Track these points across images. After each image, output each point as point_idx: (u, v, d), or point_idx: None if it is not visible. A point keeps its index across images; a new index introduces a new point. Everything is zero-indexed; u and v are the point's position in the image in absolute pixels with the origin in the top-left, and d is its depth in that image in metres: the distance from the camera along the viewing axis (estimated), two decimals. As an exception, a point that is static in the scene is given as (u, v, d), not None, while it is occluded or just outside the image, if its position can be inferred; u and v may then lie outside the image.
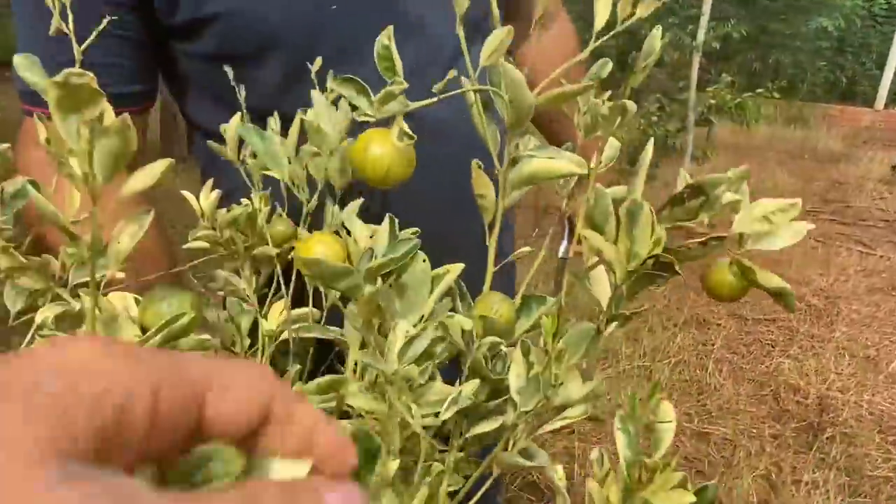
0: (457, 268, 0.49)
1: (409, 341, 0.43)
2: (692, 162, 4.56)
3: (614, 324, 0.44)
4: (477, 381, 0.43)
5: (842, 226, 4.17)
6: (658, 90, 4.48)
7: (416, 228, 0.48)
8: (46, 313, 0.44)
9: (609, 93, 0.42)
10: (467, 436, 0.46)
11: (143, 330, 0.43)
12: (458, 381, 0.44)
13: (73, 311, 0.45)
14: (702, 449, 2.01)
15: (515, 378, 0.43)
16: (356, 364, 0.50)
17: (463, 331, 0.45)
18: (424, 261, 0.48)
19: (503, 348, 0.47)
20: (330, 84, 0.46)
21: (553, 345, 0.43)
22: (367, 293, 0.42)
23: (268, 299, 0.62)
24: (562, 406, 0.44)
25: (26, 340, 0.45)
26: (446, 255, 0.47)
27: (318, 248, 0.47)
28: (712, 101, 4.56)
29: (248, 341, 0.65)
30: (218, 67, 0.55)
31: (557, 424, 0.43)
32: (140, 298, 0.45)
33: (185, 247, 0.63)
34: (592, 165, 0.43)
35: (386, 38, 0.42)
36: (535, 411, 0.42)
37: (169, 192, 0.81)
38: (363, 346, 0.49)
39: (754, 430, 2.07)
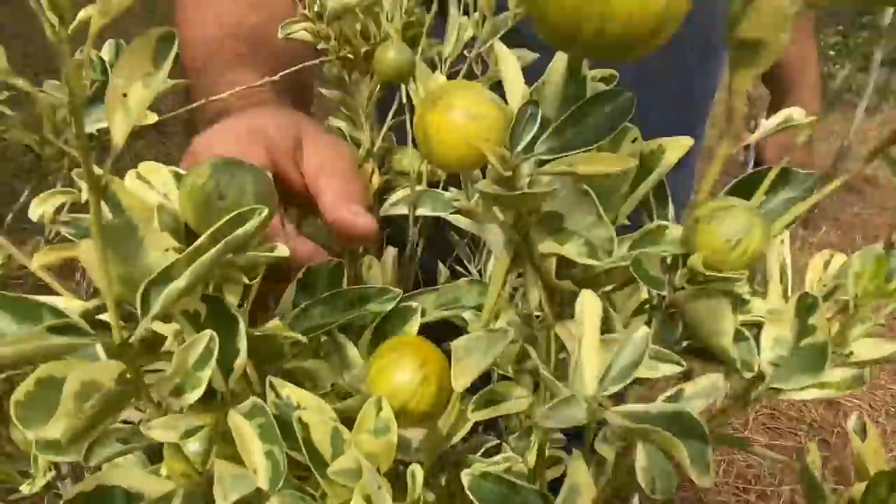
0: (680, 144, 0.30)
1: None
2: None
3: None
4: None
5: None
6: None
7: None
8: (41, 207, 0.30)
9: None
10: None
11: (188, 233, 0.27)
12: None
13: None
14: (829, 419, 1.76)
15: (772, 342, 0.25)
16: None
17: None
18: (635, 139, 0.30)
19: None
20: None
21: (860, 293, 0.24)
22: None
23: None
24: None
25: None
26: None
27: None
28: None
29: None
30: None
31: (810, 394, 0.25)
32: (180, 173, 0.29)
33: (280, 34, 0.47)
34: None
35: None
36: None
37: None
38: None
39: (894, 408, 1.77)
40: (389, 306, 0.33)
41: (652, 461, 0.21)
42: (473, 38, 0.48)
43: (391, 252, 0.41)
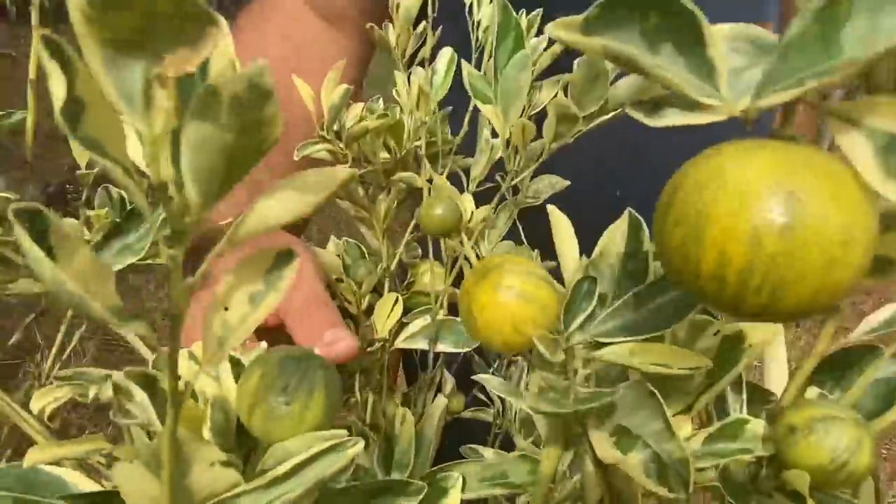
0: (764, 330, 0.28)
1: None
2: None
3: None
4: None
5: None
6: None
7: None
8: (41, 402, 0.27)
9: None
10: None
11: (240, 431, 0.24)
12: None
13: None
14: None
15: None
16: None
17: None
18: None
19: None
20: None
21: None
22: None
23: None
24: None
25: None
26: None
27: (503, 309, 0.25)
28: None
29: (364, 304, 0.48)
30: None
31: None
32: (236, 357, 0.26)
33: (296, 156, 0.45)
34: None
35: None
36: None
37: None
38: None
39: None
40: (415, 501, 0.30)
41: None
42: (502, 159, 0.47)
43: (439, 406, 0.38)
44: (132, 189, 0.13)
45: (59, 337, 0.35)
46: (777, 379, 0.31)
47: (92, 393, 0.23)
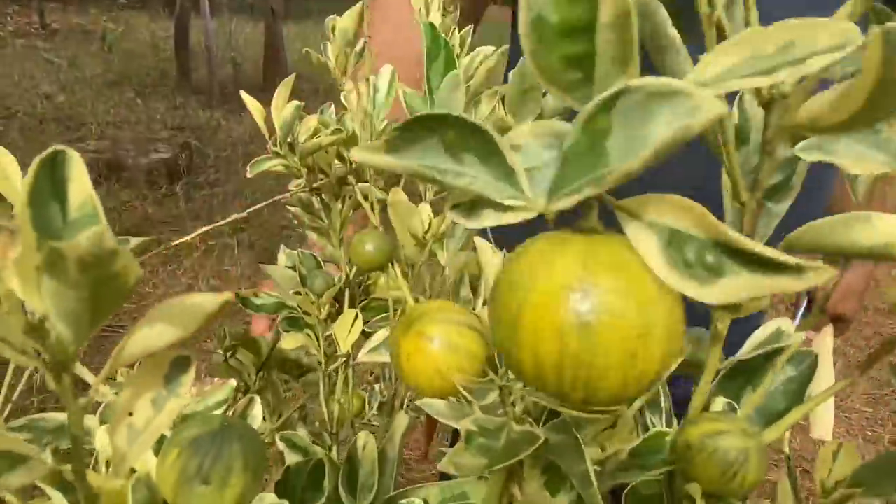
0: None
1: None
2: None
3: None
4: None
5: None
6: None
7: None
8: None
9: None
10: None
11: None
12: None
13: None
14: (809, 448, 1.80)
15: None
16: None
17: None
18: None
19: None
20: None
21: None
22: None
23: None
24: None
25: None
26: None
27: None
28: None
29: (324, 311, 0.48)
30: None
31: None
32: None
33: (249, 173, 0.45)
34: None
35: None
36: None
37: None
38: None
39: (870, 432, 1.82)
40: None
41: None
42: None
43: (401, 422, 0.39)
44: (7, 308, 0.13)
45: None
46: (824, 373, 0.32)
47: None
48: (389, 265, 0.37)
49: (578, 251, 0.15)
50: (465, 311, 0.26)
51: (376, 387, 0.64)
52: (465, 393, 0.24)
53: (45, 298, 0.13)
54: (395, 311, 0.47)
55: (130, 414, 0.17)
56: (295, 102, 0.41)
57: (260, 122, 0.41)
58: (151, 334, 0.14)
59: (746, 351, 0.26)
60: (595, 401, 0.15)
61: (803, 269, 0.13)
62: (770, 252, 0.13)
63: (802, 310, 0.93)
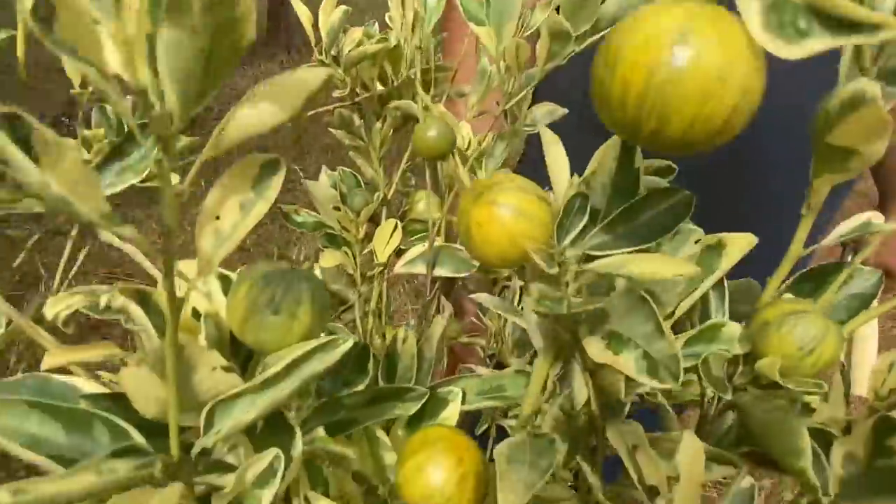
0: (742, 240, 0.29)
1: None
2: None
3: None
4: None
5: None
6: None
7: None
8: (57, 307, 0.28)
9: None
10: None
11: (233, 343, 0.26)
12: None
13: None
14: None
15: (843, 460, 0.24)
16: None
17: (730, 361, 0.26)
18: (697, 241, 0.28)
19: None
20: None
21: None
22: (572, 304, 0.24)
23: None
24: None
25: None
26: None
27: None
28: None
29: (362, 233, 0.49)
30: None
31: None
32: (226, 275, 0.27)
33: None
34: None
35: None
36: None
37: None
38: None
39: None
40: (414, 407, 0.32)
41: None
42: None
43: (438, 324, 0.39)
44: (109, 92, 0.13)
45: (61, 265, 0.36)
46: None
47: (103, 301, 0.24)
48: (451, 154, 0.37)
49: (685, 8, 0.17)
50: (531, 183, 0.26)
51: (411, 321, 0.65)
52: (536, 258, 0.24)
53: (160, 57, 0.13)
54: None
55: (217, 217, 0.17)
56: (343, 7, 0.41)
57: (307, 26, 0.41)
58: (253, 115, 0.14)
59: (831, 239, 0.26)
60: (663, 135, 0.18)
61: (879, 25, 0.13)
62: (856, 11, 0.14)
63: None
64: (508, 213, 0.25)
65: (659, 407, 0.32)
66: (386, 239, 0.46)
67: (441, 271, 0.45)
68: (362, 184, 0.50)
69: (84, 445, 0.22)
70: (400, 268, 0.46)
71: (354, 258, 0.51)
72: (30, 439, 0.22)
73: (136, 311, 0.22)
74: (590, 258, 0.27)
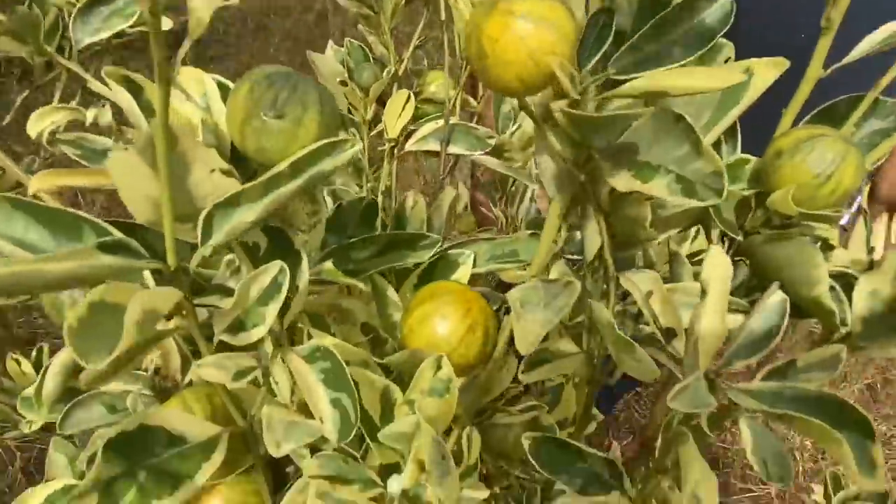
0: (772, 67, 0.26)
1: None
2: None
3: None
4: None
5: None
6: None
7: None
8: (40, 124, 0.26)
9: None
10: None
11: (233, 154, 0.23)
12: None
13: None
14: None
15: (867, 295, 0.22)
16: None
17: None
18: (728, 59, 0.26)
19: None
20: None
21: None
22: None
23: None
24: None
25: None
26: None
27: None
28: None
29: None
30: None
31: None
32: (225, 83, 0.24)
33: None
34: None
35: None
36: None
37: None
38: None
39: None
40: (426, 255, 0.30)
41: (760, 442, 0.19)
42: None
43: (449, 194, 0.38)
44: None
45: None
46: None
47: (90, 117, 0.22)
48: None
49: None
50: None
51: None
52: (562, 77, 0.22)
53: None
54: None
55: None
56: None
57: None
58: None
59: (858, 52, 0.24)
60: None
61: None
62: None
63: (858, 201, 0.91)
64: (528, 25, 0.22)
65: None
66: (397, 112, 0.43)
67: (455, 149, 0.43)
68: (370, 57, 0.47)
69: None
70: (412, 145, 0.44)
71: (363, 140, 0.48)
72: (16, 243, 0.20)
73: (121, 94, 0.20)
74: (615, 83, 0.24)
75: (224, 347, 0.23)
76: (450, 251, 0.33)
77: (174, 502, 0.21)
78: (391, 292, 0.31)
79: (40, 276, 0.16)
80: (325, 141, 0.19)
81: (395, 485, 0.25)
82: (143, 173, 0.18)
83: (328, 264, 0.26)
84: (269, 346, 0.23)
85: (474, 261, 0.33)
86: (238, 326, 0.21)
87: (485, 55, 0.23)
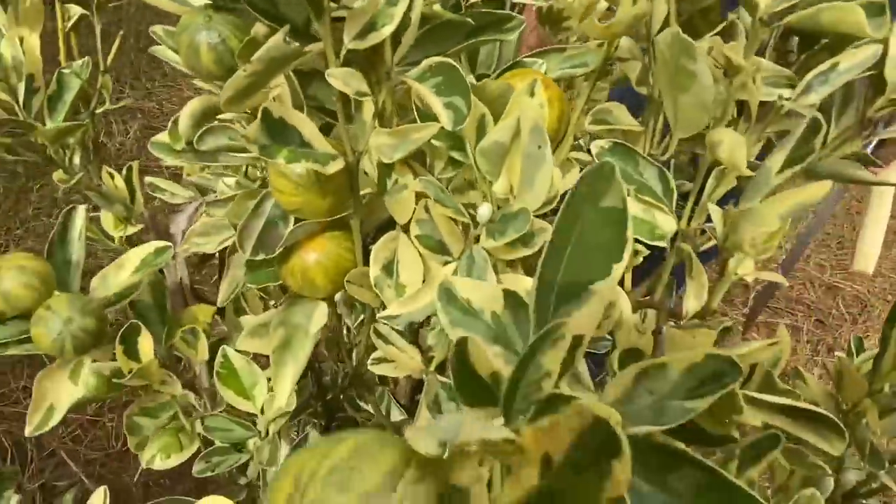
0: None
1: None
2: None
3: None
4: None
5: None
6: None
7: None
8: None
9: None
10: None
11: None
12: None
13: None
14: (827, 302, 1.84)
15: None
16: None
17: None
18: None
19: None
20: None
21: None
22: None
23: None
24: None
25: None
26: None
27: None
28: None
29: None
30: None
31: None
32: None
33: None
34: None
35: None
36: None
37: None
38: None
39: (891, 296, 1.85)
40: (513, 36, 0.34)
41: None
42: None
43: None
44: None
45: None
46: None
47: None
48: None
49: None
50: None
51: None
52: None
53: None
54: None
55: None
56: None
57: None
58: None
59: None
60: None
61: None
62: None
63: (874, 144, 0.93)
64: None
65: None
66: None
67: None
68: None
69: None
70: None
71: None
72: None
73: None
74: None
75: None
76: (524, 58, 0.37)
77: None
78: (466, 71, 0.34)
79: None
80: None
81: (485, 210, 0.29)
82: None
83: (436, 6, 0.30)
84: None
85: (547, 68, 0.37)
86: (369, 28, 0.25)
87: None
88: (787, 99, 0.29)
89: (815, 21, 0.28)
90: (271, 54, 0.25)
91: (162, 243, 0.37)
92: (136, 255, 0.36)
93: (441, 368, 0.37)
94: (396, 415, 0.48)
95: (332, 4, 0.25)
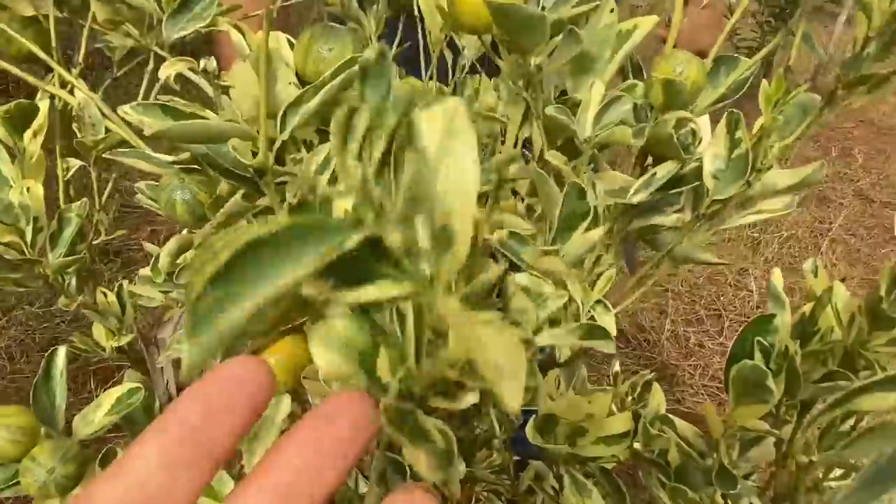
0: (649, 21, 0.39)
1: (607, 105, 0.35)
2: None
3: (854, 91, 0.33)
4: (673, 163, 0.35)
5: None
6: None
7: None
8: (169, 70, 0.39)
9: None
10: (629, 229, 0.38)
11: (301, 80, 0.36)
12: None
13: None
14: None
15: (712, 158, 0.34)
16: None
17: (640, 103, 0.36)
18: (612, 10, 0.38)
19: (691, 125, 0.37)
20: None
21: (769, 114, 0.33)
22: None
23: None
24: (757, 197, 0.35)
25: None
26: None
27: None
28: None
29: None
30: None
31: (750, 219, 0.34)
32: (293, 40, 0.37)
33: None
34: None
35: None
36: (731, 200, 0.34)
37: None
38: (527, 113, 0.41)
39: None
40: None
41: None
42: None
43: None
44: None
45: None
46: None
47: (202, 65, 0.34)
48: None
49: None
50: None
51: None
52: None
53: None
54: None
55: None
56: None
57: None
58: None
59: None
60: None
61: None
62: None
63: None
64: None
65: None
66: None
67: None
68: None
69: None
70: None
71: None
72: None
73: (235, 35, 0.32)
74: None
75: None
76: None
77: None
78: None
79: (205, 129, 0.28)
80: (351, 56, 0.32)
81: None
82: (251, 79, 0.31)
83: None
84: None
85: None
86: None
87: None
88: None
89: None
90: (231, 210, 0.33)
91: (134, 384, 0.43)
92: (112, 395, 0.42)
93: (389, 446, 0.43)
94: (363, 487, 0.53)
95: (278, 168, 0.34)
